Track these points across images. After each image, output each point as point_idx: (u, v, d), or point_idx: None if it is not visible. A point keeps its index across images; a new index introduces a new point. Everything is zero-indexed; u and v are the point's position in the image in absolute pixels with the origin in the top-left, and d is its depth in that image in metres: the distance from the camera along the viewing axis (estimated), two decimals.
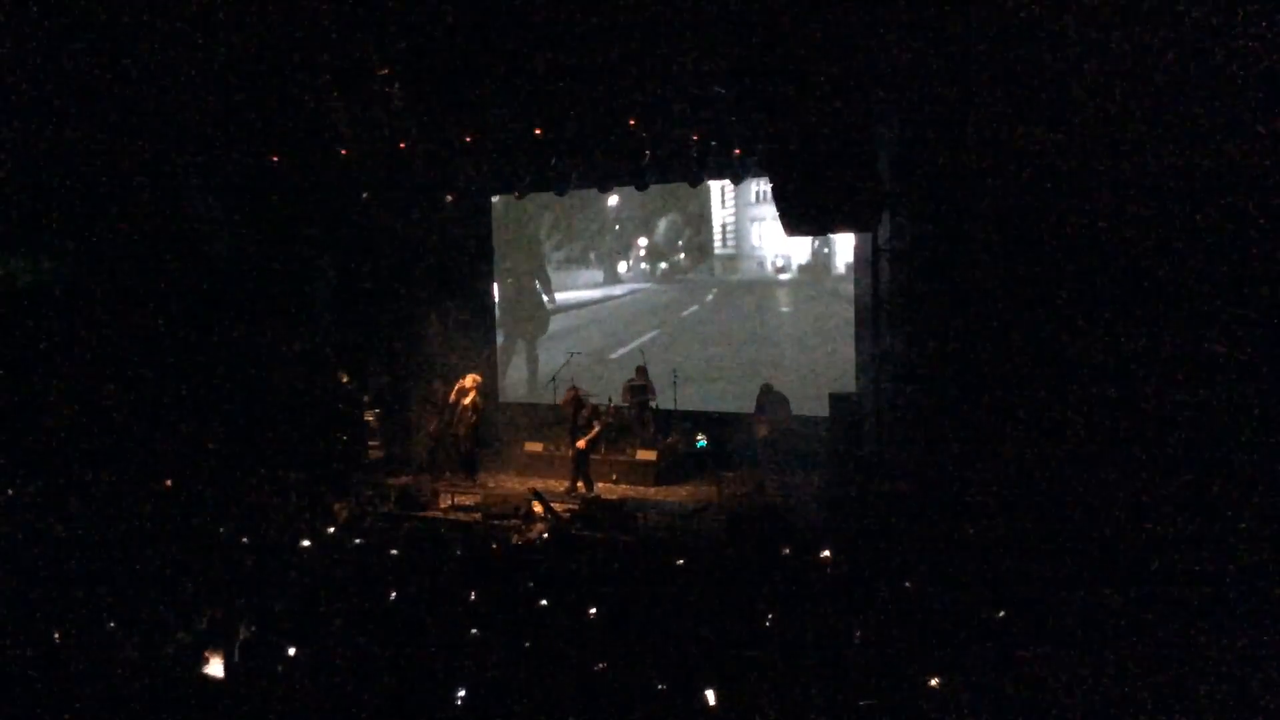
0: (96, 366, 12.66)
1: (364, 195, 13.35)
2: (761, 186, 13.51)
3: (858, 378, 12.25)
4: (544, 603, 6.16)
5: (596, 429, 11.92)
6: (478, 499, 11.36)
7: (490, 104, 11.30)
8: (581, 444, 11.80)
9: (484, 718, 4.52)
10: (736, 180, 12.69)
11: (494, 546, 8.38)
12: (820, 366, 12.96)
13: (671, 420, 13.42)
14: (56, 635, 5.52)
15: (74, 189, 12.15)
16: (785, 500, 10.89)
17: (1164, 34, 7.89)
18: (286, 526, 8.95)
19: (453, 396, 12.55)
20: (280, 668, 5.01)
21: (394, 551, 7.86)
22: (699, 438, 13.01)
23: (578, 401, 11.94)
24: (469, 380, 12.54)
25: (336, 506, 10.26)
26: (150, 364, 12.81)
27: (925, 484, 9.75)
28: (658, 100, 10.95)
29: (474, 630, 5.58)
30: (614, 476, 12.49)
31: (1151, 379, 8.44)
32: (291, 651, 5.15)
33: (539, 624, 5.74)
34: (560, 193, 13.29)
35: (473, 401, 12.38)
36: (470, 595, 6.40)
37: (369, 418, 13.56)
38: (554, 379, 13.77)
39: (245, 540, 8.07)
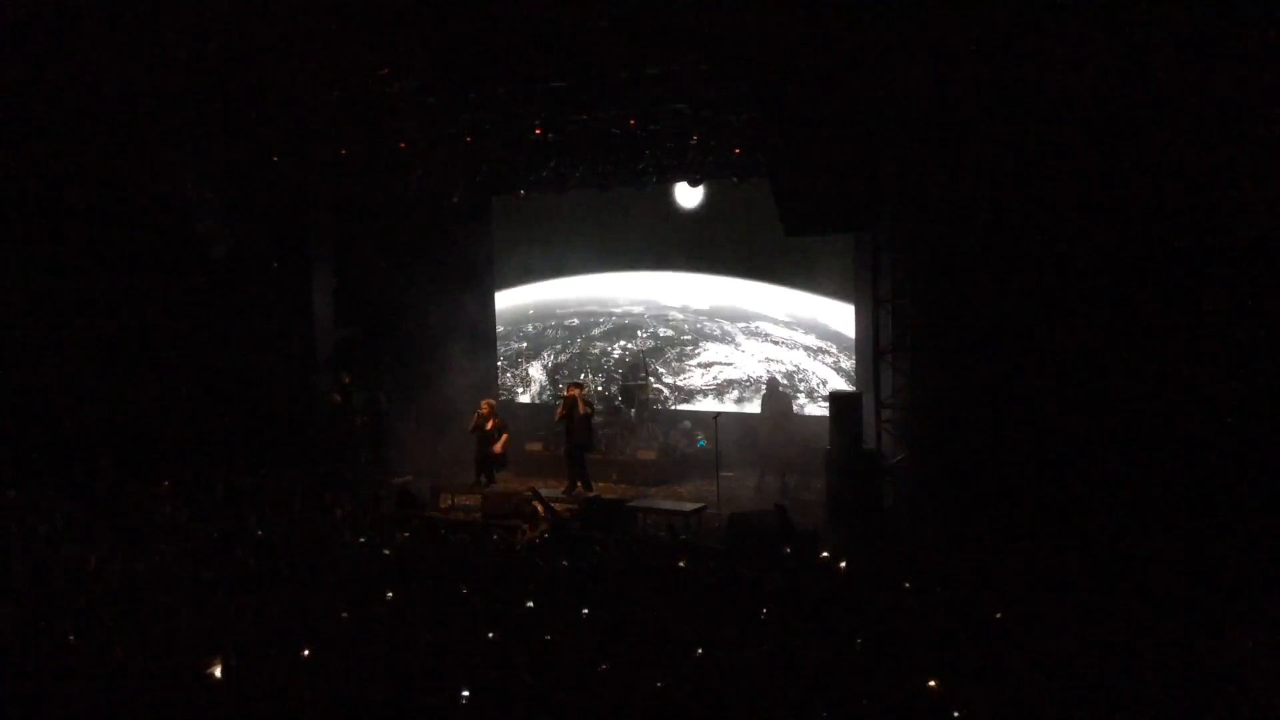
0: (95, 366, 12.65)
1: (363, 195, 13.34)
2: None
3: (858, 378, 12.25)
4: (543, 603, 6.16)
5: (589, 428, 11.88)
6: (478, 499, 11.36)
7: (490, 104, 11.30)
8: (579, 431, 11.71)
9: (484, 718, 4.52)
10: (738, 180, 12.69)
11: (494, 546, 8.38)
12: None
13: (671, 420, 13.42)
14: (57, 635, 5.52)
15: (73, 188, 12.14)
16: (785, 500, 10.88)
17: (1165, 33, 7.89)
18: (286, 526, 8.94)
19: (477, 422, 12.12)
20: (280, 668, 5.01)
21: (394, 551, 7.85)
22: (699, 438, 13.01)
23: (576, 400, 11.91)
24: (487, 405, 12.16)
25: (335, 506, 10.25)
26: (149, 363, 12.80)
27: (925, 484, 9.76)
28: (658, 100, 10.94)
29: (474, 630, 5.58)
30: (614, 476, 12.48)
31: (1153, 378, 8.44)
32: (292, 652, 5.15)
33: (539, 624, 5.74)
34: (560, 193, 13.29)
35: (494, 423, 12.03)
36: (470, 595, 6.40)
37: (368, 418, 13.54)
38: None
39: (245, 540, 8.07)
